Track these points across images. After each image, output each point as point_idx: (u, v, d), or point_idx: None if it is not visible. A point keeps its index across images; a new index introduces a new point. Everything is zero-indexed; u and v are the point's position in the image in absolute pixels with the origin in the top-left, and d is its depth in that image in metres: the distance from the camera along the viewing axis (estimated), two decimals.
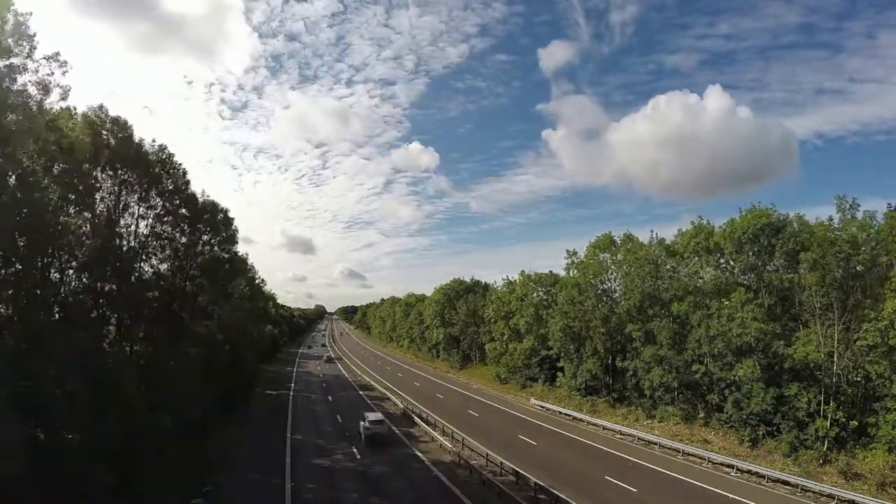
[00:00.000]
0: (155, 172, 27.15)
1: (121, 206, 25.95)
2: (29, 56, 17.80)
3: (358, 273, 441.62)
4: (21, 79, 17.88)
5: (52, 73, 18.65)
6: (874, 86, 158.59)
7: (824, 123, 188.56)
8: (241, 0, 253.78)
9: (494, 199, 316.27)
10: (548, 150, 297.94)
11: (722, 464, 28.07)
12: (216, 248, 31.79)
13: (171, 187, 28.03)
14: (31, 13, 17.75)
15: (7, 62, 17.38)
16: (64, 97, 19.74)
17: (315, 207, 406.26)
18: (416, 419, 38.66)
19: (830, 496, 23.41)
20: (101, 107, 24.87)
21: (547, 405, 44.54)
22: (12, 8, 17.39)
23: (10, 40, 17.24)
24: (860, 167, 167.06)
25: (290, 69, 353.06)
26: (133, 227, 26.80)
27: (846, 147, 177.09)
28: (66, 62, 18.89)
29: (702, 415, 34.89)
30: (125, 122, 25.54)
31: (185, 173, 28.79)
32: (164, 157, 27.81)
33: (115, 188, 25.59)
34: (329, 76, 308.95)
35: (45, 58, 18.41)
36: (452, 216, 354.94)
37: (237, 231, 33.86)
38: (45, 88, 18.70)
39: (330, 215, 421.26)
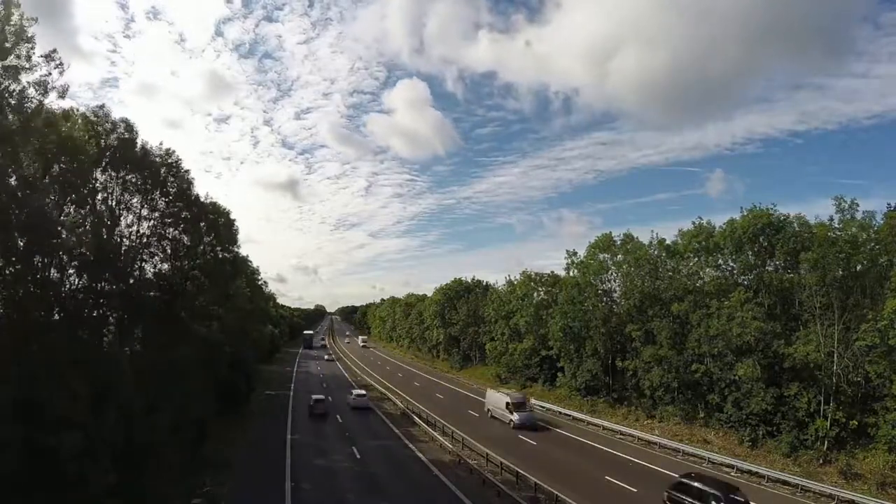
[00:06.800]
0: (159, 175, 27.08)
1: (122, 206, 25.94)
2: (28, 56, 17.81)
3: (309, 268, 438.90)
4: (21, 78, 17.92)
5: (50, 73, 18.68)
6: (852, 80, 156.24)
7: (799, 122, 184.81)
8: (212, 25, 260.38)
9: (479, 200, 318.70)
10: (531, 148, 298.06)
11: (722, 464, 28.07)
12: (217, 248, 31.80)
13: (174, 190, 27.97)
14: (35, 18, 17.85)
15: (8, 63, 17.40)
16: (62, 96, 19.76)
17: (303, 210, 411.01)
18: (416, 419, 38.71)
19: (830, 496, 23.43)
20: (101, 107, 24.90)
21: (547, 405, 44.52)
22: (14, 9, 17.42)
23: (11, 41, 17.26)
24: (844, 164, 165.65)
25: (267, 84, 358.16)
26: (134, 228, 26.77)
27: (828, 144, 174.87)
28: (63, 63, 18.97)
29: (702, 415, 34.86)
30: (130, 124, 25.50)
31: (189, 176, 28.80)
32: (170, 160, 27.76)
33: (117, 189, 25.55)
34: (304, 89, 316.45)
35: (42, 56, 18.44)
36: (437, 217, 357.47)
37: (238, 232, 34.03)
38: (44, 88, 18.72)
39: (319, 218, 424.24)
